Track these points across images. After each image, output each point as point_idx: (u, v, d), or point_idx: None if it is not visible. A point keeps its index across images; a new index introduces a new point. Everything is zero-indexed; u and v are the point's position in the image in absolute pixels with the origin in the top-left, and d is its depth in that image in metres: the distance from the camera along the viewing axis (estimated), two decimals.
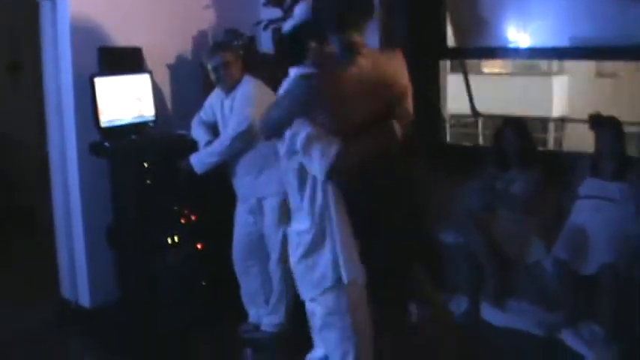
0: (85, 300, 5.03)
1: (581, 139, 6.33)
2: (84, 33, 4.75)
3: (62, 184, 5.00)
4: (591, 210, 4.58)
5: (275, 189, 4.27)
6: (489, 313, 4.78)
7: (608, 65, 7.91)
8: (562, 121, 7.71)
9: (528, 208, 4.82)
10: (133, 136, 4.81)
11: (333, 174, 2.79)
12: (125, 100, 4.81)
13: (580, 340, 4.37)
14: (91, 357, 4.66)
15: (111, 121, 4.71)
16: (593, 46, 5.14)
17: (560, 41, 5.23)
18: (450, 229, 4.95)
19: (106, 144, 4.68)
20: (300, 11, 3.10)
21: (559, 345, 4.44)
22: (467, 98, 6.81)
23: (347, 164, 2.80)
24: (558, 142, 7.54)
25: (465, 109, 7.22)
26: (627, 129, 4.67)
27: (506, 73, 8.25)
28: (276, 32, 5.12)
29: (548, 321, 4.57)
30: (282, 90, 3.05)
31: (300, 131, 2.82)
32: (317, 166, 2.80)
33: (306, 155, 2.82)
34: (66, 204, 5.00)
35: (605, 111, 4.76)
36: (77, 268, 5.04)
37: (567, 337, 4.43)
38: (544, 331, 4.54)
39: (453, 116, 7.20)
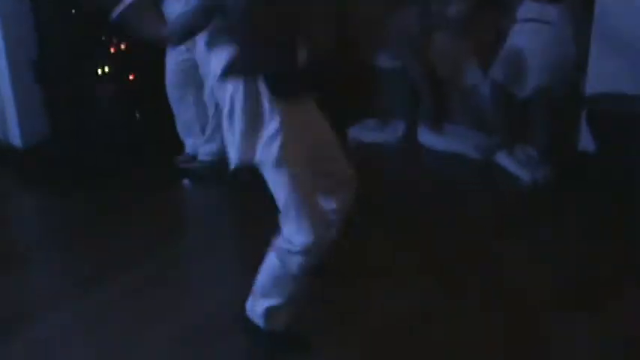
0: (16, 139, 4.89)
1: None
2: None
3: None
4: (528, 33, 4.54)
5: None
6: (426, 137, 4.84)
7: None
8: None
9: (465, 31, 4.77)
10: None
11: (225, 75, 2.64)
12: None
13: (515, 161, 4.46)
14: (26, 196, 4.61)
15: None
16: None
17: None
18: (386, 54, 4.90)
19: None
20: None
21: (495, 167, 4.53)
22: None
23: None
24: None
25: None
26: None
27: None
28: None
29: (484, 144, 4.65)
30: None
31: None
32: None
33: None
34: None
35: None
36: (5, 107, 4.86)
37: (503, 160, 4.52)
38: (480, 154, 4.62)
39: None
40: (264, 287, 2.84)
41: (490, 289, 3.33)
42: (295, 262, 2.70)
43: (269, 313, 2.87)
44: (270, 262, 2.79)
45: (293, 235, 2.67)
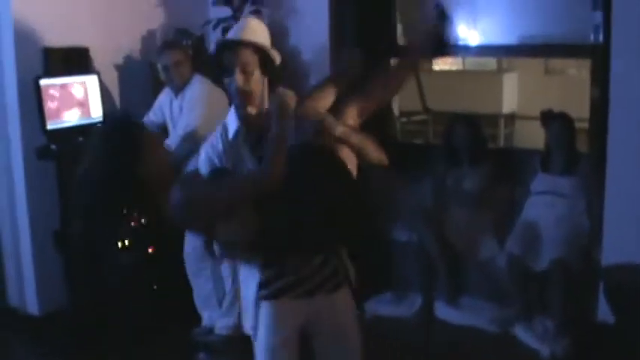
0: (33, 307, 4.92)
1: (531, 136, 6.39)
2: (28, 33, 4.62)
3: (7, 189, 4.86)
4: (543, 205, 4.63)
5: None
6: (443, 311, 4.79)
7: (557, 63, 8.01)
8: (512, 117, 7.79)
9: (480, 205, 4.85)
10: (80, 139, 4.71)
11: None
12: (72, 102, 4.71)
13: (533, 334, 4.40)
14: None
15: (57, 123, 4.61)
16: (542, 43, 5.19)
17: (510, 39, 5.26)
18: (402, 227, 4.95)
19: (53, 147, 4.58)
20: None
21: (513, 341, 4.47)
22: (417, 95, 6.82)
23: None
24: (509, 138, 7.59)
25: (416, 106, 7.23)
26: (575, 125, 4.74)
27: (457, 71, 8.30)
28: (226, 31, 5.08)
29: (501, 317, 4.60)
30: None
31: None
32: None
33: None
34: (12, 209, 4.87)
35: (554, 107, 4.82)
36: (24, 275, 4.93)
37: (521, 333, 4.47)
38: (498, 327, 4.56)
39: (403, 113, 7.21)
40: None
41: None
42: None
43: None
44: None
45: None
